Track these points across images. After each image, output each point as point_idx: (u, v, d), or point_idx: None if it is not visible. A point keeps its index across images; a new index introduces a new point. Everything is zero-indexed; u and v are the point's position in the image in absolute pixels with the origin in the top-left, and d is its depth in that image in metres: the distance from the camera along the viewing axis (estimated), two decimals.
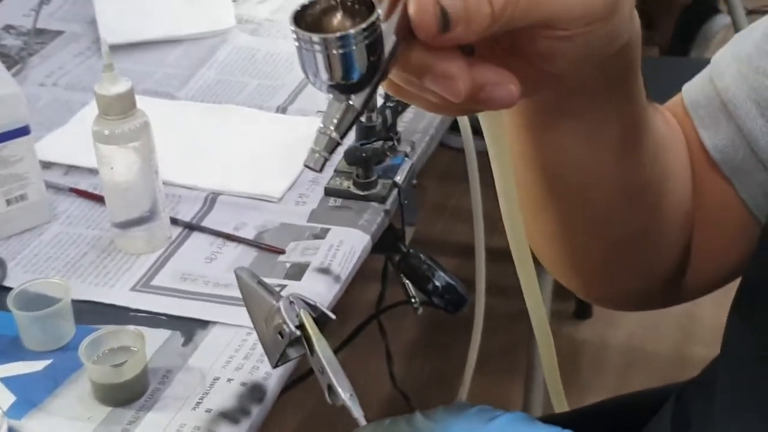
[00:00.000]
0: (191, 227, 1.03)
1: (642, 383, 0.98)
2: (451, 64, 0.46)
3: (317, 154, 0.47)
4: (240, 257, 0.99)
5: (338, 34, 0.44)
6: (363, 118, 1.08)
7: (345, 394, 0.47)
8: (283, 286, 0.95)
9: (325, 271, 0.97)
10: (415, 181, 1.11)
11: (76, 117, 1.19)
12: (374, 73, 0.45)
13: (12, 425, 0.81)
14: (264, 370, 0.86)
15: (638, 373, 1.95)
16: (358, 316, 1.37)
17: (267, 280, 0.95)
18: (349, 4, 0.45)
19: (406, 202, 1.08)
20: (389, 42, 0.45)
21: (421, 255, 1.11)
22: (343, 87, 0.45)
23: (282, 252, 1.00)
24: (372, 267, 1.22)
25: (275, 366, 0.49)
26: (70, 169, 1.12)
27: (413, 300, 1.14)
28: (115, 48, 0.95)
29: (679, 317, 2.04)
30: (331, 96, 0.47)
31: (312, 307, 0.53)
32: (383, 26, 0.45)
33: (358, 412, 0.47)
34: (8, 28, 1.38)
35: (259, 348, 0.88)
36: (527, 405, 1.69)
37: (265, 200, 1.07)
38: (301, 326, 0.52)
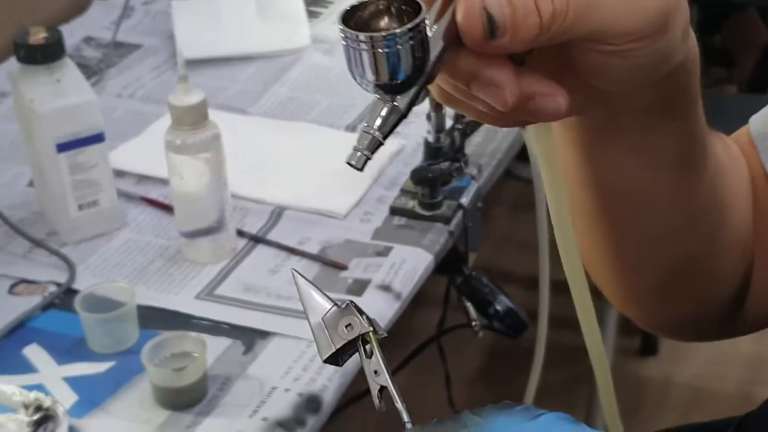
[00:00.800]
0: (257, 240, 1.04)
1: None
2: (498, 72, 0.46)
3: (359, 153, 0.47)
4: (303, 271, 0.99)
5: (384, 33, 0.44)
6: (431, 139, 1.08)
7: (399, 396, 0.47)
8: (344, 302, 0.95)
9: (386, 288, 0.97)
10: (480, 205, 1.11)
11: (150, 128, 1.21)
12: (419, 74, 0.46)
13: (73, 424, 0.82)
14: (321, 382, 0.87)
15: (701, 412, 1.91)
16: (418, 340, 1.37)
17: (330, 295, 0.96)
18: (397, 6, 0.46)
19: (470, 224, 1.08)
20: (437, 46, 0.46)
21: (484, 278, 1.11)
22: (388, 87, 0.46)
23: (345, 268, 1.00)
24: (432, 293, 1.22)
25: (327, 361, 0.49)
26: (142, 178, 1.14)
27: (474, 323, 1.13)
28: (190, 62, 0.98)
29: (746, 357, 2.00)
30: (377, 96, 0.47)
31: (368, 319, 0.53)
32: (432, 31, 0.46)
33: (407, 417, 0.47)
34: (89, 39, 1.41)
35: (318, 360, 0.89)
36: None
37: (330, 216, 1.08)
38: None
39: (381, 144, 0.47)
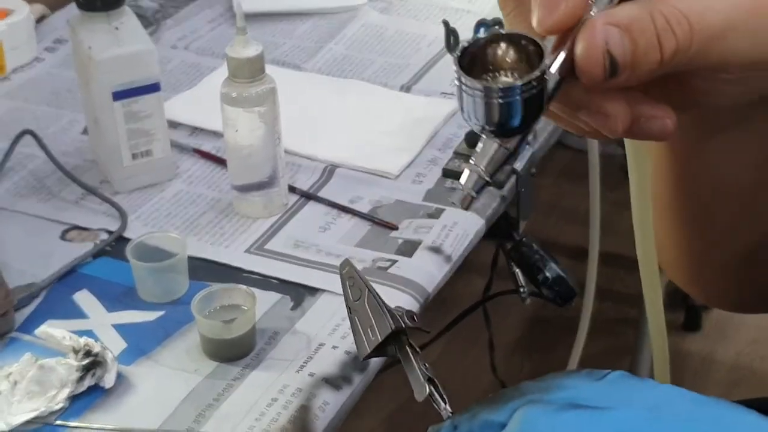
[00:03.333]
0: (308, 196, 1.04)
1: None
2: (611, 104, 0.44)
3: (465, 192, 0.46)
4: (353, 230, 1.00)
5: (502, 86, 0.42)
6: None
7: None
8: (394, 261, 0.95)
9: (436, 250, 0.96)
10: (534, 171, 1.10)
11: (205, 80, 1.21)
12: (534, 120, 0.44)
13: (121, 370, 0.83)
14: None
15: (743, 390, 1.89)
16: (459, 306, 1.36)
17: (380, 255, 0.96)
18: (516, 41, 0.44)
19: (523, 190, 1.07)
20: (551, 81, 0.44)
21: (534, 245, 1.10)
22: (499, 132, 0.44)
23: (395, 228, 1.00)
24: (477, 259, 1.21)
25: (366, 358, 0.50)
26: (195, 130, 1.14)
27: (522, 289, 1.13)
28: (247, 16, 0.96)
29: None
30: (485, 136, 0.45)
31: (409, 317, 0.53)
32: (549, 75, 0.43)
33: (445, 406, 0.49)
34: None
35: None
36: None
37: (382, 176, 1.07)
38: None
39: (488, 183, 0.46)
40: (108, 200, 1.02)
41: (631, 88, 0.46)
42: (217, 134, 1.11)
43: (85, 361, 0.80)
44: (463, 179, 0.46)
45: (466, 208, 0.47)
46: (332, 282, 0.93)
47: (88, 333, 0.85)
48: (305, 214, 1.02)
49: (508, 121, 0.43)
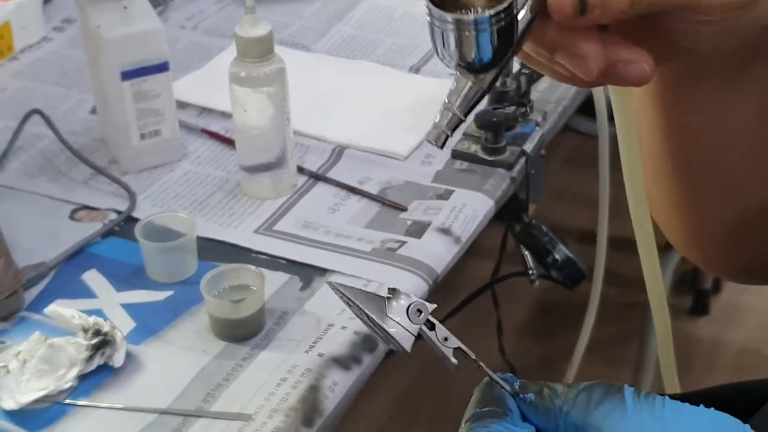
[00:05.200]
0: (317, 177, 1.04)
1: None
2: (584, 44, 0.45)
3: (440, 130, 0.46)
4: (362, 211, 0.99)
5: (473, 17, 0.43)
6: (498, 83, 1.06)
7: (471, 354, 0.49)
8: (403, 243, 0.95)
9: (446, 231, 0.96)
10: (543, 152, 1.09)
11: (213, 61, 1.21)
12: (505, 53, 0.45)
13: (130, 350, 0.83)
14: None
15: (751, 375, 1.88)
16: (467, 288, 1.36)
17: (389, 236, 0.96)
18: None
19: (533, 172, 1.06)
20: (523, 20, 0.44)
21: (543, 227, 1.09)
22: (472, 67, 0.45)
23: (404, 209, 0.99)
24: (484, 241, 1.20)
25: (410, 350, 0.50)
26: (203, 111, 1.14)
27: (531, 271, 1.12)
28: None
29: None
30: (458, 73, 0.46)
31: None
32: (518, 2, 0.44)
33: (489, 369, 0.49)
34: None
35: None
36: None
37: (391, 157, 1.06)
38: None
39: (462, 121, 0.46)
40: (117, 180, 1.02)
41: (608, 32, 0.46)
42: (225, 115, 1.10)
43: (95, 341, 0.80)
44: (437, 118, 0.46)
45: (441, 147, 0.47)
46: (341, 262, 0.93)
47: (97, 312, 0.85)
48: (314, 195, 1.02)
49: (480, 55, 0.44)
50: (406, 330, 0.49)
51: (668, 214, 0.66)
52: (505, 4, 0.43)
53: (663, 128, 0.59)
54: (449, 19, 0.43)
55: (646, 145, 0.62)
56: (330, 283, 0.52)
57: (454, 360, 0.49)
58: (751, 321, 2.00)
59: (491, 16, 0.43)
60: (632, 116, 0.60)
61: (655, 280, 0.72)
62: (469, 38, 0.43)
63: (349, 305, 0.50)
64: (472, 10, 0.44)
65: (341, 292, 0.50)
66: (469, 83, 0.45)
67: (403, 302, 0.49)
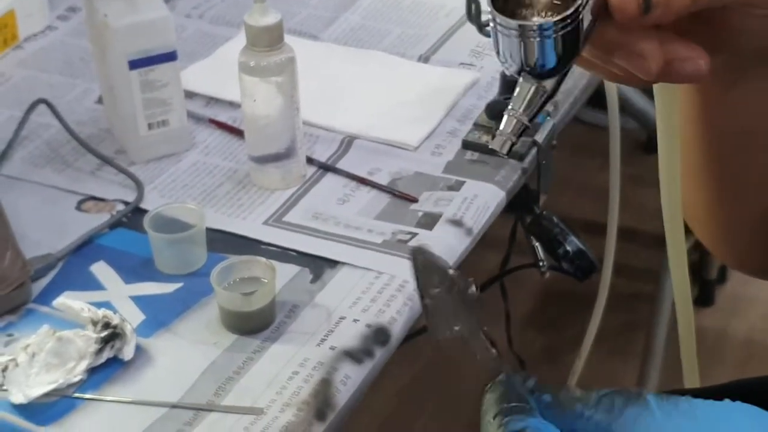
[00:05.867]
0: (326, 168, 1.03)
1: None
2: (645, 44, 0.44)
3: (504, 137, 0.45)
4: (372, 202, 0.98)
5: (538, 23, 0.42)
6: (508, 72, 1.05)
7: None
8: (414, 234, 0.94)
9: (457, 223, 0.95)
10: (555, 143, 1.08)
11: (220, 50, 1.20)
12: (571, 58, 0.44)
13: (140, 342, 0.82)
14: (390, 315, 0.85)
15: (757, 365, 1.88)
16: (477, 280, 1.35)
17: (399, 227, 0.95)
18: None
19: (544, 162, 1.05)
20: (585, 22, 0.43)
21: (554, 218, 1.08)
22: (536, 72, 0.44)
23: (415, 200, 0.98)
24: (494, 234, 1.20)
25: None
26: (211, 100, 1.12)
27: (541, 263, 1.11)
28: None
29: None
30: (521, 78, 0.45)
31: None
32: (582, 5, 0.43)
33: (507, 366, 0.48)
34: None
35: (386, 292, 0.87)
36: (641, 387, 1.65)
37: (401, 148, 1.05)
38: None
39: (527, 127, 0.45)
40: (124, 171, 1.01)
41: (663, 29, 0.45)
42: (233, 104, 1.09)
43: (104, 333, 0.79)
44: (502, 125, 0.46)
45: (507, 153, 0.46)
46: (352, 254, 0.92)
47: (106, 305, 0.84)
48: (323, 186, 1.01)
49: (544, 60, 0.43)
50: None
51: (699, 210, 0.66)
52: (571, 10, 0.42)
53: (697, 123, 0.59)
54: (513, 25, 0.42)
55: (688, 140, 0.62)
56: (417, 250, 0.50)
57: (493, 351, 0.49)
58: (756, 311, 1.99)
59: (556, 22, 0.42)
60: (676, 116, 0.60)
61: (682, 277, 0.72)
62: (534, 44, 0.43)
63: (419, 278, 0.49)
64: (537, 16, 0.43)
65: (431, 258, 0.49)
66: (533, 88, 0.45)
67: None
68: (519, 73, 0.44)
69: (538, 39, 0.42)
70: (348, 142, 1.06)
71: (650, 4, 0.42)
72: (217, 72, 1.15)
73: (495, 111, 1.03)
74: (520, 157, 1.02)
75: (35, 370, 0.76)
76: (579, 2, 0.42)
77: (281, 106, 0.96)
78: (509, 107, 0.45)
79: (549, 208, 1.13)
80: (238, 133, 1.06)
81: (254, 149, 1.00)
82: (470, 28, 1.06)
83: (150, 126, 1.01)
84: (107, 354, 0.79)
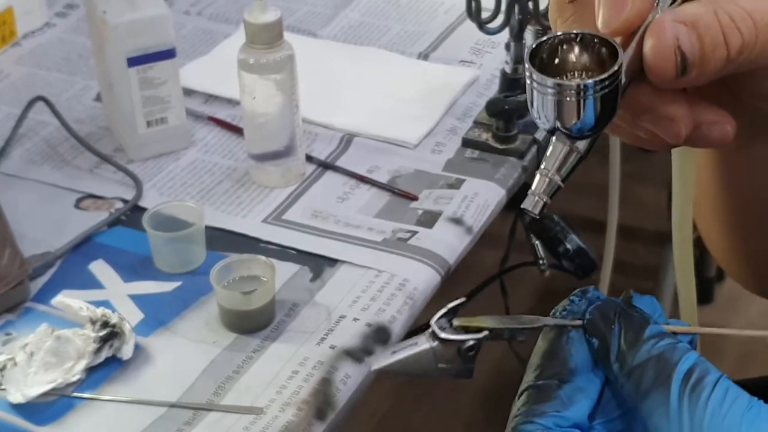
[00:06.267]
0: (326, 166, 1.02)
1: (759, 373, 0.93)
2: (675, 107, 0.44)
3: (536, 197, 0.44)
4: (372, 200, 0.98)
5: (576, 83, 0.41)
6: (509, 69, 1.05)
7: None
8: (414, 233, 0.93)
9: (457, 221, 0.95)
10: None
11: (219, 47, 1.19)
12: (607, 121, 0.43)
13: (139, 341, 0.81)
14: (390, 314, 0.85)
15: (756, 363, 1.88)
16: (475, 278, 1.35)
17: (399, 225, 0.95)
18: (589, 41, 0.42)
19: None
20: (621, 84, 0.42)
21: (555, 216, 1.08)
22: (571, 133, 0.43)
23: (415, 198, 0.98)
24: (493, 231, 1.20)
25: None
26: (209, 98, 1.12)
27: (541, 261, 1.11)
28: None
29: None
30: (554, 138, 0.44)
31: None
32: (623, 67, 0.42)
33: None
34: None
35: (387, 290, 0.87)
36: None
37: (400, 146, 1.05)
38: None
39: (560, 187, 0.44)
40: (123, 168, 1.00)
41: (690, 93, 0.45)
42: (231, 102, 1.09)
43: (103, 332, 0.79)
44: (534, 184, 0.44)
45: (538, 215, 0.45)
46: (352, 253, 0.91)
47: (105, 303, 0.84)
48: (323, 184, 1.00)
49: (580, 121, 0.42)
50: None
51: (720, 243, 0.66)
52: (612, 70, 0.41)
53: (721, 175, 0.59)
54: (550, 83, 0.41)
55: (703, 184, 0.62)
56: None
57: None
58: (755, 309, 1.99)
59: (597, 82, 0.41)
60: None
61: (688, 278, 0.72)
62: (572, 105, 0.42)
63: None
64: (574, 73, 0.42)
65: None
66: (567, 148, 0.44)
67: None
68: (552, 132, 0.43)
69: (575, 99, 0.41)
70: (347, 139, 1.06)
71: (686, 65, 0.42)
72: (215, 69, 1.14)
73: (495, 108, 1.02)
74: (521, 155, 1.02)
75: (33, 370, 0.76)
76: (620, 62, 0.41)
77: (281, 104, 0.96)
78: (542, 166, 0.44)
79: (548, 206, 1.13)
80: (237, 130, 1.06)
81: (253, 147, 0.99)
82: (470, 26, 1.06)
83: (149, 124, 1.01)
84: (106, 353, 0.79)
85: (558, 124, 0.42)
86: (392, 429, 1.73)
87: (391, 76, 1.15)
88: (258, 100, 0.95)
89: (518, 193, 1.04)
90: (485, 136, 1.03)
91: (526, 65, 0.42)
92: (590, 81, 0.41)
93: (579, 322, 0.46)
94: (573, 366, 0.45)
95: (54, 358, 0.77)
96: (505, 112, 1.02)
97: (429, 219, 0.95)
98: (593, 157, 1.44)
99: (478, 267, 1.47)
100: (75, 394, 0.77)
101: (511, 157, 1.02)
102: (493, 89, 1.09)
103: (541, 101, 0.42)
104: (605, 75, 0.41)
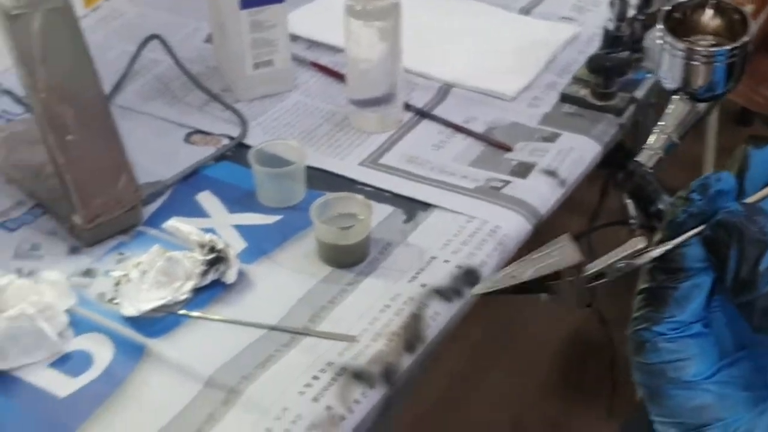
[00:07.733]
0: (423, 114, 1.05)
1: None
2: None
3: (652, 151, 0.46)
4: (467, 149, 1.00)
5: (707, 50, 0.43)
6: (611, 27, 1.05)
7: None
8: (508, 182, 0.95)
9: (551, 173, 0.97)
10: (654, 101, 1.09)
11: None
12: (732, 86, 0.45)
13: (242, 268, 0.85)
14: (480, 258, 0.88)
15: None
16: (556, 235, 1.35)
17: (493, 174, 0.97)
18: (723, 6, 0.44)
19: (642, 119, 1.06)
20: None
21: (649, 176, 1.09)
22: (695, 95, 0.45)
23: (510, 149, 1.00)
24: (577, 197, 1.21)
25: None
26: (313, 44, 1.15)
27: (632, 221, 1.12)
28: None
29: None
30: (676, 97, 0.46)
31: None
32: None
33: None
34: None
35: (477, 236, 0.89)
36: None
37: (497, 98, 1.07)
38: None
39: (677, 145, 0.46)
40: (230, 107, 1.05)
41: None
42: (333, 49, 1.12)
43: (210, 257, 0.83)
44: (651, 140, 0.46)
45: (652, 168, 0.47)
46: (445, 199, 0.94)
47: (210, 231, 0.88)
48: (419, 132, 1.03)
49: (709, 85, 0.44)
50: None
51: None
52: (743, 40, 0.43)
53: None
54: (681, 47, 0.43)
55: None
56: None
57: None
58: None
59: (729, 50, 0.43)
60: None
61: None
62: (700, 68, 0.44)
63: None
64: (704, 38, 0.44)
65: None
66: (688, 108, 0.46)
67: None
68: (676, 92, 0.45)
69: (705, 64, 0.43)
70: (445, 90, 1.08)
71: None
72: (320, 17, 1.18)
73: (596, 65, 1.04)
74: (618, 112, 1.03)
75: (146, 286, 0.81)
76: (750, 32, 0.43)
77: (384, 51, 0.98)
78: (661, 123, 0.46)
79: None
80: (338, 76, 1.09)
81: (354, 93, 1.02)
82: None
83: (256, 65, 1.05)
84: (212, 276, 0.83)
85: (684, 86, 0.44)
86: (468, 387, 1.76)
87: (492, 29, 1.17)
88: (362, 46, 0.98)
89: (611, 152, 1.05)
90: (584, 92, 1.05)
91: (659, 26, 0.44)
92: (721, 49, 0.43)
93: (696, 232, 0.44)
94: (687, 265, 0.44)
95: (165, 277, 0.81)
96: (606, 69, 1.03)
97: (523, 170, 0.97)
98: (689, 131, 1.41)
99: (562, 227, 1.48)
100: (182, 312, 0.81)
101: (609, 114, 1.03)
102: (593, 47, 1.10)
103: (670, 63, 0.44)
104: (736, 44, 0.43)
